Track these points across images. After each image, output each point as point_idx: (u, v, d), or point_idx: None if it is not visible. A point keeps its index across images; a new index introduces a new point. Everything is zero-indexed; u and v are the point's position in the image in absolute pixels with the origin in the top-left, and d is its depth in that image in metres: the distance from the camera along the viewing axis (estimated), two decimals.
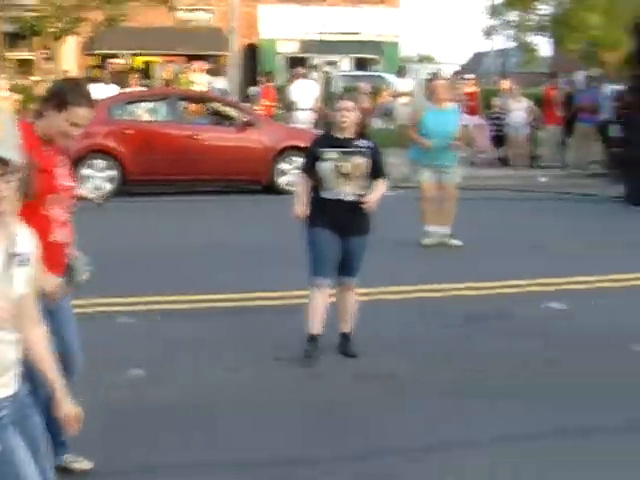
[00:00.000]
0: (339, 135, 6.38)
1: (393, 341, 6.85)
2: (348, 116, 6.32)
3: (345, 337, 6.54)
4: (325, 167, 6.28)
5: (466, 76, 21.93)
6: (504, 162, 19.32)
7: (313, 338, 6.38)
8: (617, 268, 9.09)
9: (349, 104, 6.43)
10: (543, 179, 17.60)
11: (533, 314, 7.61)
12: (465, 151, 13.34)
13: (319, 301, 6.36)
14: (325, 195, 6.31)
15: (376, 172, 6.38)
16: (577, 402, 5.55)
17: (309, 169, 6.43)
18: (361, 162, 6.28)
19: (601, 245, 10.54)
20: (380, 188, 6.40)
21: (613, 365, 6.30)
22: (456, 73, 25.45)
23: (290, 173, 14.50)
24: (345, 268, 6.40)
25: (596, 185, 16.27)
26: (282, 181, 14.99)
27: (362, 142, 6.36)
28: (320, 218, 6.28)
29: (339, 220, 6.24)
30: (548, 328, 7.18)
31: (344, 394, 5.83)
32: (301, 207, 6.36)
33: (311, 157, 6.45)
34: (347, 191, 6.26)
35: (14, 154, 2.52)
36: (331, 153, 6.27)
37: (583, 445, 4.98)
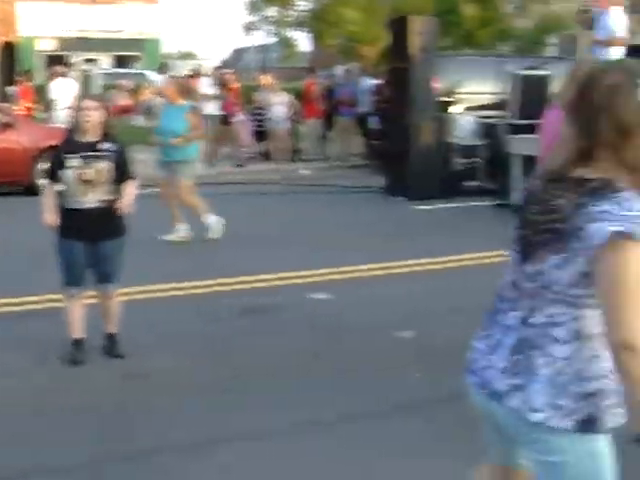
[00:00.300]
0: (82, 139, 6.08)
1: (158, 339, 6.66)
2: (91, 116, 6.03)
3: (111, 338, 6.34)
4: (67, 175, 5.99)
5: (226, 72, 21.83)
6: (266, 156, 19.38)
7: (77, 342, 6.19)
8: (379, 257, 9.22)
9: (92, 103, 6.12)
10: (305, 172, 17.76)
11: (298, 306, 7.58)
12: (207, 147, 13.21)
13: (75, 309, 6.20)
14: (70, 205, 6.04)
15: (123, 175, 6.13)
16: (345, 390, 5.56)
17: (54, 176, 6.13)
18: (104, 167, 6.01)
19: (363, 235, 10.70)
20: (130, 190, 6.18)
21: (378, 352, 6.35)
22: (216, 69, 25.30)
23: None
24: (102, 275, 6.19)
25: (357, 177, 16.60)
26: (43, 182, 14.26)
27: (106, 145, 6.07)
28: (67, 228, 6.05)
29: (86, 228, 6.02)
30: (314, 319, 7.17)
31: (112, 395, 5.61)
32: (50, 216, 6.08)
33: (55, 164, 6.14)
34: (91, 199, 6.00)
35: None
36: (73, 160, 5.99)
37: (352, 431, 4.97)
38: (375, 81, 19.26)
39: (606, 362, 2.50)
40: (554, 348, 2.53)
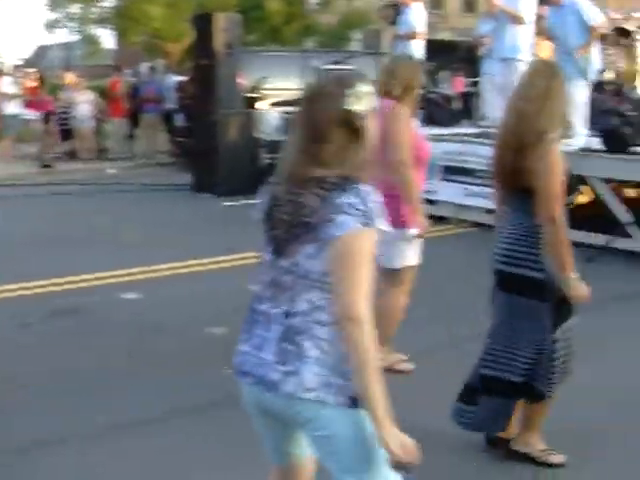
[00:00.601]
0: None
1: None
2: None
3: None
4: None
5: (28, 70, 21.24)
6: (72, 156, 18.96)
7: None
8: (187, 255, 9.18)
9: None
10: (111, 171, 17.47)
11: (110, 306, 7.46)
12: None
13: None
14: None
15: None
16: (162, 387, 5.56)
17: None
18: None
19: (172, 233, 10.63)
20: None
21: (191, 348, 6.35)
22: (17, 67, 24.53)
23: None
24: None
25: (164, 174, 16.52)
26: None
27: None
28: None
29: None
30: (126, 319, 7.08)
31: None
32: None
33: None
34: None
35: None
36: None
37: (166, 430, 4.97)
38: (180, 78, 19.18)
39: None
40: (319, 331, 2.69)
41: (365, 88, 2.73)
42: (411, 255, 5.65)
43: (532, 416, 4.53)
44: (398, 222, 5.38)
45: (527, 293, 4.28)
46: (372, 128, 2.77)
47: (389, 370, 5.63)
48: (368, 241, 2.63)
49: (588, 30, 10.17)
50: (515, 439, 4.58)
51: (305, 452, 2.97)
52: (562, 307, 4.31)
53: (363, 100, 2.71)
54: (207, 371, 5.79)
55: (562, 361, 4.37)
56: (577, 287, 4.23)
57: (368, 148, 2.77)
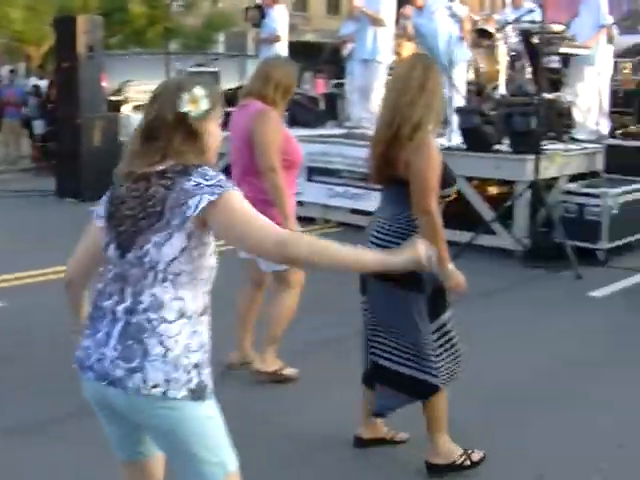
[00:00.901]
0: None
1: None
2: None
3: None
4: None
5: None
6: None
7: None
8: (51, 261, 8.99)
9: None
10: None
11: None
12: None
13: None
14: None
15: None
16: (42, 394, 5.55)
17: None
18: None
19: (35, 239, 10.43)
20: None
21: (62, 355, 6.23)
22: None
23: None
24: None
25: (27, 180, 16.18)
26: None
27: None
28: None
29: None
30: None
31: None
32: None
33: None
34: None
35: None
36: None
37: (41, 438, 4.93)
38: (42, 81, 18.81)
39: (203, 336, 2.84)
40: (163, 328, 2.74)
41: (203, 91, 2.80)
42: None
43: (431, 415, 4.49)
44: None
45: (403, 284, 4.20)
46: (213, 130, 2.86)
47: (274, 377, 5.71)
48: (237, 200, 2.73)
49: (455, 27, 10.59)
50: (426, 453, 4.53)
51: (152, 450, 3.00)
52: (437, 299, 4.34)
53: (200, 102, 2.79)
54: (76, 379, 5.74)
55: (446, 354, 4.38)
56: (455, 276, 4.31)
57: (208, 149, 2.85)
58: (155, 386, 2.70)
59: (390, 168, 4.30)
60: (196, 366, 2.78)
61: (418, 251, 2.81)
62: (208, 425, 2.80)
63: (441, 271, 4.18)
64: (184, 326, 2.77)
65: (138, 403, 2.73)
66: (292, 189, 5.60)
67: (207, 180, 2.72)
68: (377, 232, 4.40)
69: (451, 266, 4.31)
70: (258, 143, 5.33)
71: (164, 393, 2.71)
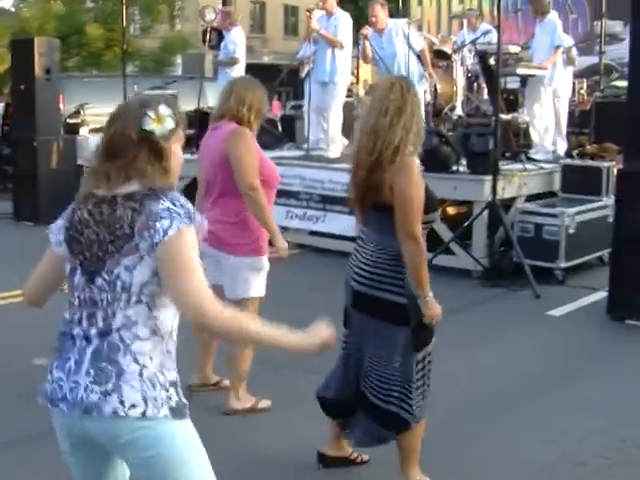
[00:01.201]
0: None
1: None
2: None
3: None
4: None
5: None
6: None
7: None
8: (11, 284, 8.91)
9: None
10: None
11: None
12: None
13: None
14: None
15: None
16: None
17: None
18: None
19: None
20: None
21: (19, 380, 6.26)
22: None
23: None
24: None
25: None
26: None
27: None
28: None
29: None
30: None
31: None
32: None
33: None
34: None
35: None
36: None
37: None
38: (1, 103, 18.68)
39: (173, 356, 2.79)
40: (137, 346, 2.66)
41: (168, 110, 2.76)
42: (258, 285, 5.46)
43: (404, 447, 4.44)
44: (241, 249, 5.32)
45: (390, 317, 4.21)
46: (176, 151, 2.82)
47: (251, 413, 5.64)
48: (191, 235, 2.66)
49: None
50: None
51: None
52: (423, 329, 4.29)
53: (165, 121, 2.74)
54: (35, 403, 5.66)
55: (422, 385, 4.35)
56: (433, 306, 4.23)
57: (171, 170, 2.79)
58: (133, 406, 2.59)
59: (374, 193, 4.20)
60: (173, 384, 2.72)
61: (323, 337, 2.78)
62: (190, 450, 2.72)
63: (421, 299, 4.18)
64: (157, 344, 2.70)
65: (117, 428, 2.61)
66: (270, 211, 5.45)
67: (176, 207, 2.66)
68: (366, 262, 4.32)
69: (430, 295, 4.25)
70: (236, 164, 5.24)
71: (143, 414, 2.61)
